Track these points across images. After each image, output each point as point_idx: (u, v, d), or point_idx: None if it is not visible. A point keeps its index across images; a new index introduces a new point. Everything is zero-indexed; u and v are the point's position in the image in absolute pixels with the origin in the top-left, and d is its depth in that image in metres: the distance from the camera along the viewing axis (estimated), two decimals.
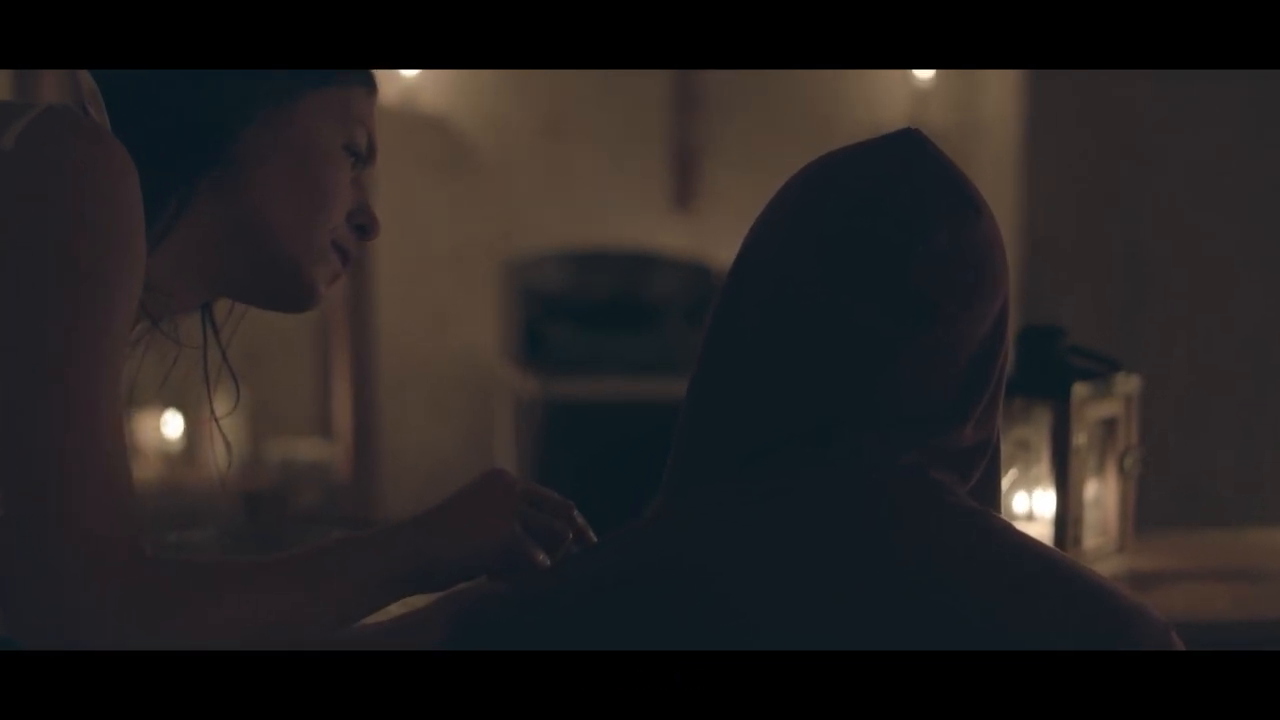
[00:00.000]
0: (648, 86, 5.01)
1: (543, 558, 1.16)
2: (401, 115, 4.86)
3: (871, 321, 1.06)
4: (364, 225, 1.21)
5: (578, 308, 5.02)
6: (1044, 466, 1.76)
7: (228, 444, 1.24)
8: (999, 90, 4.81)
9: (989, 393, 1.10)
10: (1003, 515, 1.16)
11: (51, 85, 4.15)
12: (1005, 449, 1.74)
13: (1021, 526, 1.14)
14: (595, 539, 1.21)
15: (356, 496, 4.77)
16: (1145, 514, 1.92)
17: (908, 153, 1.09)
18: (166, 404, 4.45)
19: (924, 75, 5.09)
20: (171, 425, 4.52)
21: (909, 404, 1.08)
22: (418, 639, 1.18)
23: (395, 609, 1.16)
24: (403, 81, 4.91)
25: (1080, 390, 1.73)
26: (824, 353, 1.08)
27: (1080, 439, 1.74)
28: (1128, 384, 1.81)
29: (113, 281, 1.01)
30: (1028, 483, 1.78)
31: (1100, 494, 1.81)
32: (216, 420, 1.24)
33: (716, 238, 4.90)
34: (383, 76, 1.50)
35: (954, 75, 5.08)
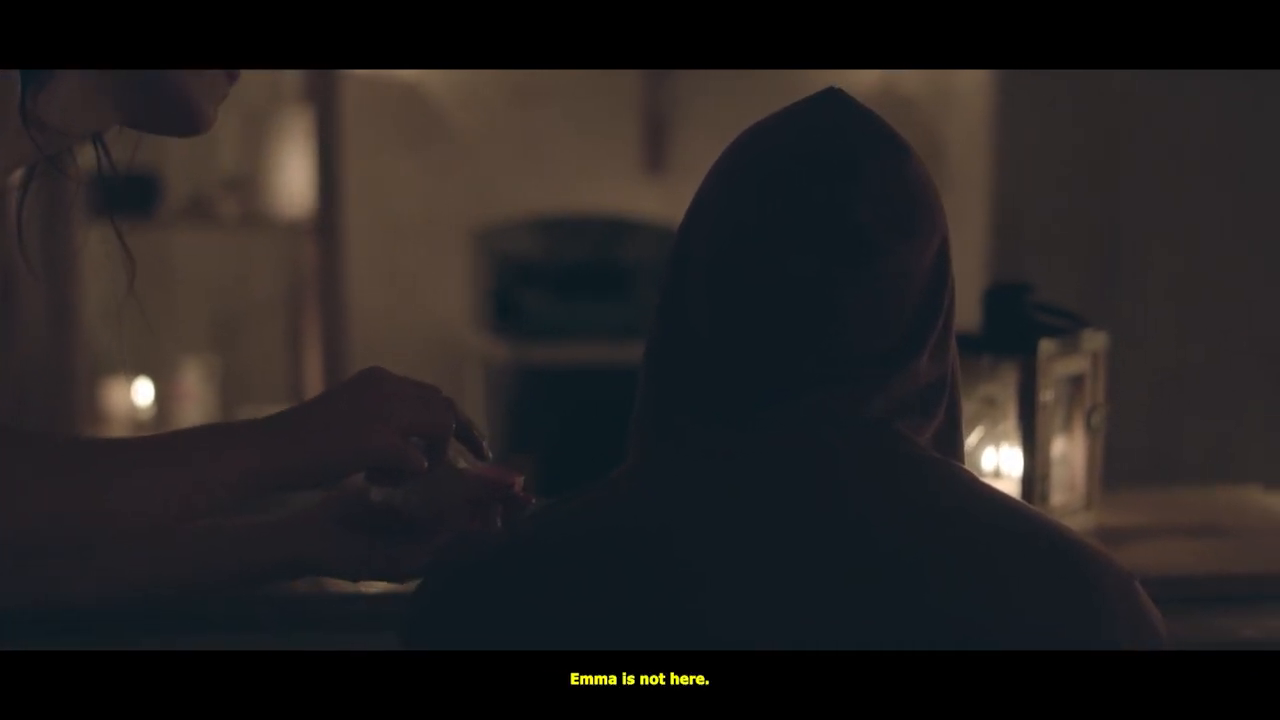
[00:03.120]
0: None
1: (423, 461, 1.14)
2: (371, 84, 4.83)
3: (816, 264, 1.09)
4: None
5: (550, 274, 5.01)
6: (1011, 423, 1.75)
7: (130, 256, 1.21)
8: None
9: (939, 323, 1.13)
10: (966, 467, 1.16)
11: None
12: (972, 406, 1.74)
13: (989, 483, 1.15)
14: (480, 435, 1.24)
15: None
16: (1116, 478, 1.92)
17: (833, 108, 1.14)
18: (137, 372, 4.42)
19: None
20: (142, 393, 4.49)
21: (862, 343, 1.10)
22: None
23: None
24: None
25: (1047, 346, 1.73)
26: (774, 302, 1.10)
27: (1047, 395, 1.74)
28: (1095, 340, 1.81)
29: None
30: (995, 440, 1.78)
31: (1068, 451, 1.81)
32: (119, 232, 1.20)
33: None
34: None
35: None
